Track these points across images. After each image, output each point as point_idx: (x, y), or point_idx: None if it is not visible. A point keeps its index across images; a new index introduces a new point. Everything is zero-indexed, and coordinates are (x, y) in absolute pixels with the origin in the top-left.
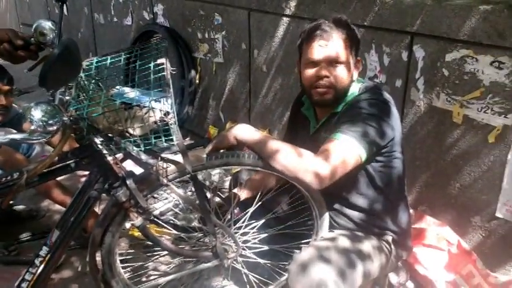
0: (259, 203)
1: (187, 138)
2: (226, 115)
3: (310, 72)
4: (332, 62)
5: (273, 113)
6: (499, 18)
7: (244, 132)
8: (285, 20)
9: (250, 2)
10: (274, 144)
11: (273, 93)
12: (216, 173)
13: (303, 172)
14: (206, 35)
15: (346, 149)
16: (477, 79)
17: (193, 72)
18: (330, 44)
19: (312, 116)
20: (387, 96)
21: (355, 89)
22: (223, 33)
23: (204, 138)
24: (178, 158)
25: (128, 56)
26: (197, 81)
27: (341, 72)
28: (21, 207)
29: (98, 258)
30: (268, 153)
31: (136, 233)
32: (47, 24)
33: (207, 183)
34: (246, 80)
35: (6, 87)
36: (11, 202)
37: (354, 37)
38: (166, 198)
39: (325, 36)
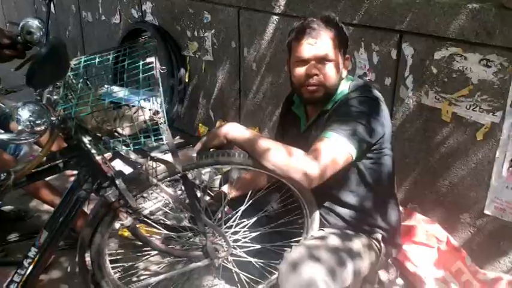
0: (250, 201)
1: (177, 137)
2: (216, 114)
3: (299, 70)
4: (321, 60)
5: (263, 111)
6: (487, 17)
7: (234, 130)
8: (275, 18)
9: (239, 0)
10: (265, 143)
11: (262, 92)
12: (206, 172)
13: (293, 171)
14: (195, 33)
15: (337, 147)
16: (465, 77)
17: (182, 71)
18: (318, 42)
19: (302, 114)
20: (377, 93)
21: (345, 87)
22: (213, 31)
23: (193, 137)
24: (168, 157)
25: (117, 54)
26: (187, 80)
27: (330, 70)
28: (9, 207)
29: (88, 258)
30: (258, 152)
31: (126, 233)
32: (34, 23)
33: (197, 182)
34: (235, 79)
35: None
36: None
37: (343, 35)
38: (156, 198)
39: (314, 34)
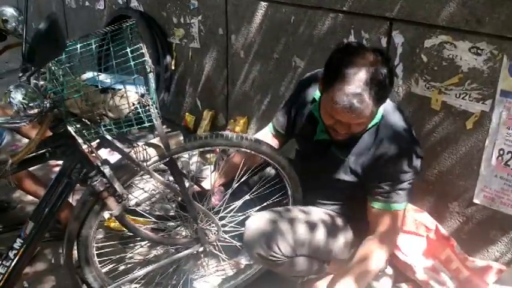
0: (237, 185)
1: (164, 126)
2: (203, 102)
3: (330, 120)
4: (355, 124)
5: (251, 100)
6: (478, 4)
7: None
8: (263, 4)
9: None
10: (364, 276)
11: (251, 80)
12: (194, 162)
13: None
14: (182, 20)
15: (401, 214)
16: (455, 65)
17: (168, 58)
18: (358, 118)
19: (321, 120)
20: (408, 122)
21: (377, 114)
22: (200, 17)
23: (180, 126)
24: (156, 141)
25: (98, 39)
26: (173, 67)
27: (363, 125)
28: None
29: (74, 251)
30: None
31: (113, 224)
32: (9, 11)
33: (185, 172)
34: (223, 66)
35: None
36: None
37: (390, 86)
38: (142, 188)
39: (356, 109)
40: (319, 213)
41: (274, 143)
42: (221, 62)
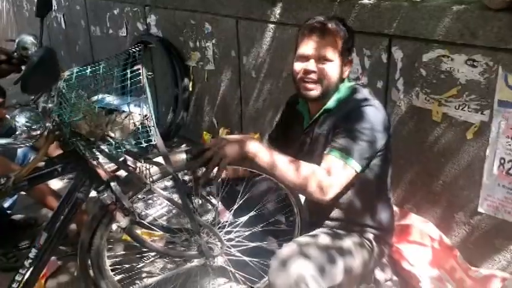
0: (241, 201)
1: (184, 145)
2: (219, 121)
3: (299, 65)
4: (321, 59)
5: (263, 117)
6: (471, 18)
7: (256, 149)
8: (271, 26)
9: (237, 11)
10: (284, 163)
11: (262, 98)
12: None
13: (309, 188)
14: (197, 44)
15: (345, 166)
16: (453, 78)
17: (186, 80)
18: (323, 41)
19: (306, 111)
20: (376, 100)
21: (347, 88)
22: (214, 41)
23: (198, 144)
24: (160, 159)
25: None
26: (190, 89)
27: (329, 69)
28: (20, 216)
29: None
30: (279, 174)
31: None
32: (29, 39)
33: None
34: (236, 86)
35: None
36: (9, 212)
37: (351, 39)
38: (160, 204)
39: (320, 32)
40: (333, 239)
41: None
42: (234, 82)
